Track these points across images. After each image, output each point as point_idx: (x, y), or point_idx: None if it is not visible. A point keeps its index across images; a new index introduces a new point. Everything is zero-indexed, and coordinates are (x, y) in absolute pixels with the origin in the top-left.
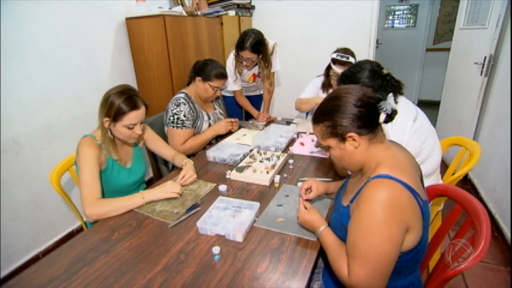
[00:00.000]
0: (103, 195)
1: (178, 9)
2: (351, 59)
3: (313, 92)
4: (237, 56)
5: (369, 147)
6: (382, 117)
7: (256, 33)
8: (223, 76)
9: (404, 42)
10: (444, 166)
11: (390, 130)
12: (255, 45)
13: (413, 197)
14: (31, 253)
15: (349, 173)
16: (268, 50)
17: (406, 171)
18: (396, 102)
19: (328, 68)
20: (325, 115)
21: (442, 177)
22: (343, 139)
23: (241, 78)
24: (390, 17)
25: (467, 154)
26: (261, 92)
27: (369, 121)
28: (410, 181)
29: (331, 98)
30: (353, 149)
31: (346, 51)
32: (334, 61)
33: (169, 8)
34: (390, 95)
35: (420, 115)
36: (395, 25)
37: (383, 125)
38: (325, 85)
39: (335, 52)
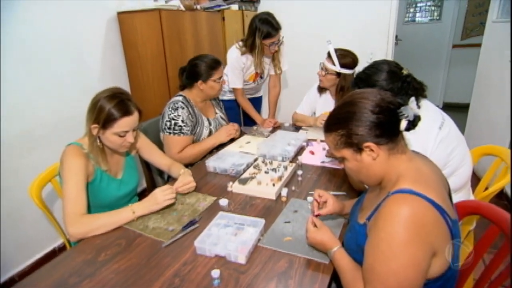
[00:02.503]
0: (91, 210)
1: (176, 3)
2: (327, 63)
3: (310, 103)
4: (266, 46)
5: (389, 158)
6: (404, 124)
7: (268, 13)
8: (218, 62)
9: (427, 38)
10: (475, 179)
11: (412, 138)
12: (278, 22)
13: (441, 216)
14: (6, 275)
15: (366, 187)
16: None
17: (432, 186)
18: (418, 107)
19: None
20: (338, 123)
21: (473, 192)
22: (359, 149)
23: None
24: (412, 10)
25: (503, 165)
26: (261, 95)
27: (389, 129)
28: (437, 197)
29: (344, 103)
30: (371, 160)
31: (338, 50)
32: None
33: (166, 2)
34: (412, 99)
35: (446, 121)
36: (417, 19)
37: (404, 134)
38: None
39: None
